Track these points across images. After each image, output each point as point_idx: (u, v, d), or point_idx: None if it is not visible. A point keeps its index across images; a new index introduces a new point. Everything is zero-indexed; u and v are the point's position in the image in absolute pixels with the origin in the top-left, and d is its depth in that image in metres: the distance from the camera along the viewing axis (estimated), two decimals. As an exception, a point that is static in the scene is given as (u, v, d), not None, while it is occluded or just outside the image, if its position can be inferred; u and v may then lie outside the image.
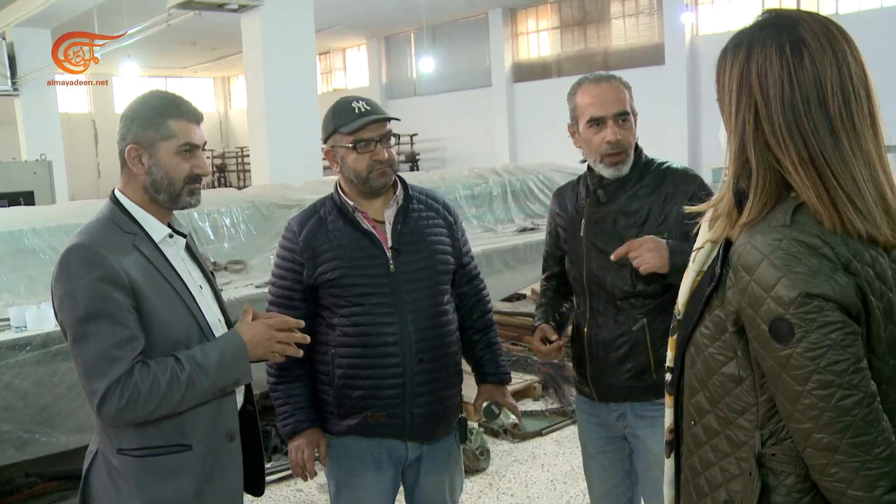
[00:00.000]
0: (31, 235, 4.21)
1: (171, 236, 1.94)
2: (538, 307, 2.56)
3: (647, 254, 2.13)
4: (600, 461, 2.49)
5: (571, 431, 4.68)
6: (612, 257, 2.20)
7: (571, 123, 2.37)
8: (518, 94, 19.64)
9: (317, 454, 2.33)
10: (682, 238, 2.23)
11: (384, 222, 2.28)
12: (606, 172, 2.31)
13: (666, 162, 2.37)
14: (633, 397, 2.34)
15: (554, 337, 2.35)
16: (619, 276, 2.28)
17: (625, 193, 2.32)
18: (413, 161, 20.04)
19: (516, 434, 4.64)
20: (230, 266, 4.80)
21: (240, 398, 2.01)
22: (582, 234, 2.37)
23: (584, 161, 2.41)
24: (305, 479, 2.33)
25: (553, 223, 2.54)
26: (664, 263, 2.12)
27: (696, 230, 1.49)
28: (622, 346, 2.31)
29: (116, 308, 1.74)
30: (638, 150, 2.36)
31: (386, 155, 2.23)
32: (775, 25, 1.27)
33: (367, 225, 2.26)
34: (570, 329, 2.50)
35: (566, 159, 8.70)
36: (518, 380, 5.41)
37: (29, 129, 14.04)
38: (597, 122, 2.28)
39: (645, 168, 2.34)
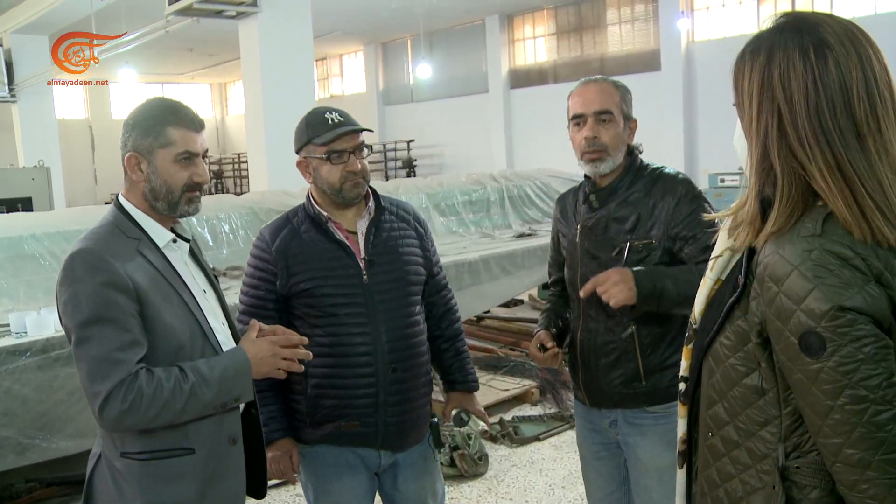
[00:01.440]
0: (30, 241, 4.21)
1: (174, 241, 1.94)
2: (542, 313, 2.56)
3: (613, 288, 2.13)
4: (596, 467, 2.49)
5: (569, 436, 4.69)
6: (581, 294, 2.21)
7: (568, 126, 2.38)
8: (515, 100, 19.68)
9: None
10: (670, 242, 2.24)
11: (357, 233, 2.29)
12: (586, 170, 2.33)
13: (660, 167, 2.37)
14: (624, 404, 2.33)
15: (550, 344, 2.34)
16: None
17: (616, 199, 2.32)
18: (410, 167, 20.07)
19: (514, 439, 4.65)
20: (229, 272, 4.80)
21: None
22: (577, 239, 2.38)
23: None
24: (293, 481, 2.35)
25: (555, 229, 2.56)
26: (631, 295, 2.12)
27: (714, 239, 1.45)
28: (611, 352, 2.30)
29: (120, 312, 1.74)
30: (633, 155, 2.36)
31: (359, 166, 2.25)
32: (796, 28, 1.24)
33: (340, 235, 2.27)
34: (569, 338, 2.49)
35: (563, 165, 8.72)
36: (515, 385, 5.43)
37: (26, 136, 14.08)
38: (578, 120, 2.31)
39: (638, 173, 2.34)
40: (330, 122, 2.22)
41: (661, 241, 2.24)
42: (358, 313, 2.22)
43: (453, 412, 2.50)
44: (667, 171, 2.36)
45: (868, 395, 1.13)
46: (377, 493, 2.43)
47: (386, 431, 2.26)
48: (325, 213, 2.28)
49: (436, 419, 2.46)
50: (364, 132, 2.27)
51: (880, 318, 1.14)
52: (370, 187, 2.34)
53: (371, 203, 2.33)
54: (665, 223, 2.25)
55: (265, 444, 2.24)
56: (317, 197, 2.31)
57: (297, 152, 2.31)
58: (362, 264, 2.25)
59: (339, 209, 2.30)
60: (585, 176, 2.40)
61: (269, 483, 2.30)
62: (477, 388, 2.56)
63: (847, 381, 1.13)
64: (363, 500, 2.34)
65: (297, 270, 2.24)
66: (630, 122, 2.35)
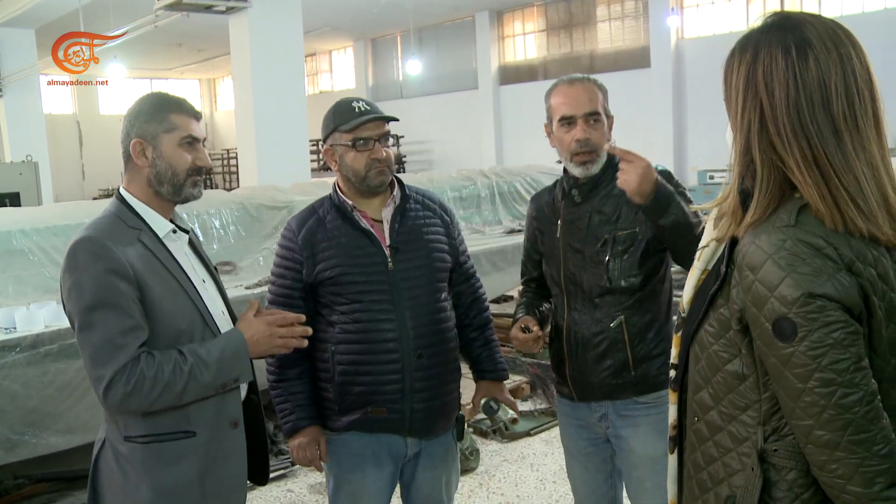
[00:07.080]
0: (19, 236, 4.19)
1: (174, 231, 2.00)
2: (518, 307, 2.58)
3: (632, 174, 2.09)
4: (583, 463, 2.51)
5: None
6: (611, 151, 2.20)
7: (547, 123, 2.40)
8: (504, 97, 19.70)
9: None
10: (653, 229, 2.23)
11: (382, 221, 2.32)
12: (576, 171, 2.34)
13: None
14: (614, 395, 2.34)
15: (535, 327, 2.34)
16: (595, 273, 2.31)
17: (598, 194, 2.34)
18: (399, 163, 20.05)
19: (505, 434, 4.67)
20: (220, 267, 4.80)
21: (244, 388, 2.07)
22: (558, 234, 2.39)
23: (560, 161, 2.44)
24: (320, 469, 2.38)
25: (531, 227, 2.56)
26: (643, 191, 2.09)
27: (700, 229, 1.50)
28: (600, 343, 2.32)
29: (122, 298, 1.80)
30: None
31: (384, 154, 2.28)
32: (781, 27, 1.29)
33: (365, 224, 2.30)
34: (549, 328, 2.51)
35: (552, 161, 8.76)
36: (506, 380, 5.43)
37: (13, 131, 13.99)
38: (568, 121, 2.31)
39: (618, 169, 2.28)
40: (356, 110, 2.27)
41: (645, 230, 2.26)
42: (383, 300, 2.25)
43: (483, 401, 2.53)
44: None
45: (836, 379, 1.18)
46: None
47: (413, 418, 2.28)
48: (350, 203, 2.31)
49: (461, 413, 2.48)
50: (391, 122, 2.31)
51: (850, 305, 1.20)
52: (395, 176, 2.37)
53: (396, 192, 2.36)
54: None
55: (291, 432, 2.30)
56: (342, 186, 2.35)
57: (324, 141, 2.35)
58: (387, 252, 2.28)
59: (364, 198, 2.33)
60: (565, 171, 2.41)
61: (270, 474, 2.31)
62: (507, 377, 2.59)
63: (816, 364, 1.19)
64: (381, 494, 2.35)
65: (322, 259, 2.27)
66: (609, 120, 2.38)
